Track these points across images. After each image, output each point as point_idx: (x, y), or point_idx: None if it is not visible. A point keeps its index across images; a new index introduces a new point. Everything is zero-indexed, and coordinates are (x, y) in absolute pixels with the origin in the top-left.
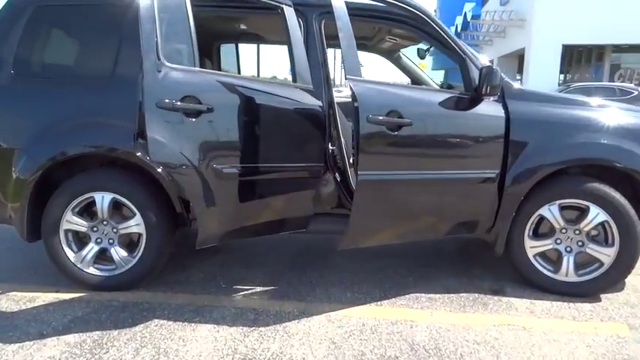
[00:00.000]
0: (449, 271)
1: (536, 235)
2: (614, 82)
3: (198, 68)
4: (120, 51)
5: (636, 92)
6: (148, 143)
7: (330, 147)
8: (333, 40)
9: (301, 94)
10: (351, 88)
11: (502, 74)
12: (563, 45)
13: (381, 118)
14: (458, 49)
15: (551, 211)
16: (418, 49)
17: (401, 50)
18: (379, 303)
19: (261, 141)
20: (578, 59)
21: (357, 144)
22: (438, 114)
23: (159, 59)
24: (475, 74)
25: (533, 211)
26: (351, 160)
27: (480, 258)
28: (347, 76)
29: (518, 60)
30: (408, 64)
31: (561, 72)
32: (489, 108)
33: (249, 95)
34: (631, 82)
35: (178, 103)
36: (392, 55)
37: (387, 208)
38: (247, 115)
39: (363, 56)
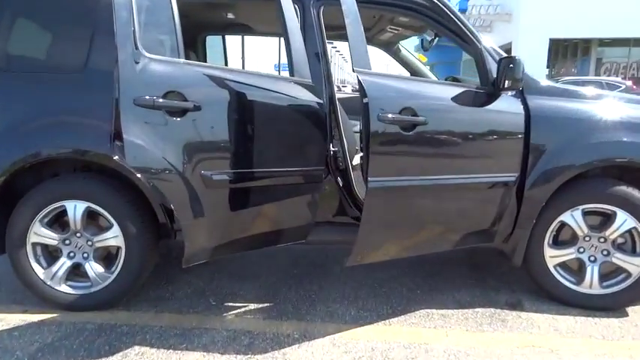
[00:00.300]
0: (459, 281)
1: (557, 243)
2: (600, 75)
3: (183, 60)
4: (93, 41)
5: (623, 86)
6: (125, 146)
7: (332, 148)
8: (332, 31)
9: (299, 89)
10: (359, 81)
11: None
12: (550, 39)
13: (393, 116)
14: (474, 39)
15: (573, 217)
16: (422, 40)
17: (400, 42)
18: (388, 322)
19: (255, 143)
20: (564, 53)
21: (367, 146)
22: (454, 111)
23: (136, 48)
24: (492, 66)
25: (554, 217)
26: (353, 162)
27: (489, 266)
28: (355, 69)
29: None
30: (408, 56)
31: (548, 66)
32: (508, 104)
33: (242, 91)
34: (617, 76)
35: (160, 100)
36: (391, 47)
37: (400, 218)
38: (240, 113)
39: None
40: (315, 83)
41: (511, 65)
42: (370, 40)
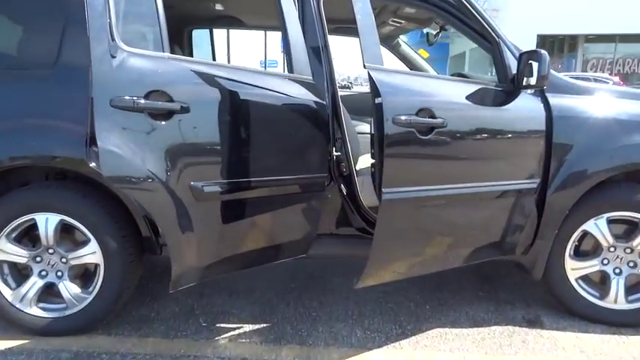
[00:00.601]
0: (469, 294)
1: (578, 254)
2: (587, 72)
3: (168, 54)
4: (65, 33)
5: (611, 82)
6: (100, 155)
7: (335, 152)
8: (333, 24)
9: (299, 88)
10: (371, 79)
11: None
12: (538, 35)
13: (410, 118)
14: (491, 31)
15: (597, 227)
16: (427, 33)
17: (400, 36)
18: (398, 344)
19: (251, 149)
20: (551, 49)
21: (380, 152)
22: (473, 112)
23: (112, 40)
24: (511, 62)
25: (576, 226)
26: (357, 167)
27: (498, 276)
28: (366, 64)
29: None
30: (409, 52)
31: None
32: (527, 103)
33: (236, 90)
34: (603, 72)
35: (142, 101)
36: (390, 41)
37: (418, 232)
38: (234, 115)
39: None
40: (316, 81)
41: (534, 61)
42: None
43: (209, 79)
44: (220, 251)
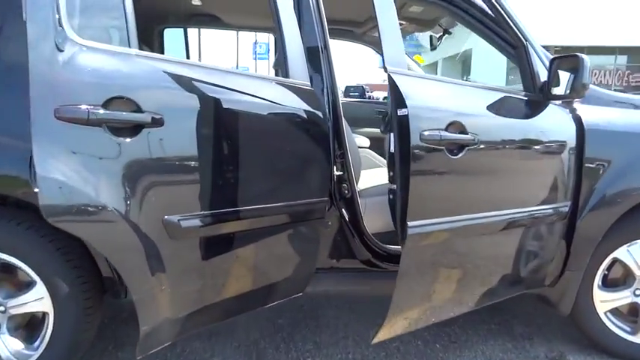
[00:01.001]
0: (481, 329)
1: (606, 284)
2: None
3: (136, 50)
4: (4, 24)
5: None
6: (38, 185)
7: (336, 172)
8: (334, 25)
9: (296, 95)
10: (393, 86)
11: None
12: None
13: (440, 134)
14: (518, 32)
15: (630, 254)
16: (431, 36)
17: None
18: None
19: (241, 170)
20: None
21: (404, 176)
22: (502, 127)
23: (60, 26)
24: (539, 68)
25: (606, 253)
26: (359, 187)
27: (507, 304)
28: (386, 67)
29: (462, 62)
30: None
31: (507, 73)
32: (556, 115)
33: (223, 98)
34: None
35: (99, 111)
36: None
37: (448, 271)
38: (219, 130)
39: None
40: (314, 88)
41: (569, 67)
42: (361, 37)
43: (189, 84)
44: (201, 299)
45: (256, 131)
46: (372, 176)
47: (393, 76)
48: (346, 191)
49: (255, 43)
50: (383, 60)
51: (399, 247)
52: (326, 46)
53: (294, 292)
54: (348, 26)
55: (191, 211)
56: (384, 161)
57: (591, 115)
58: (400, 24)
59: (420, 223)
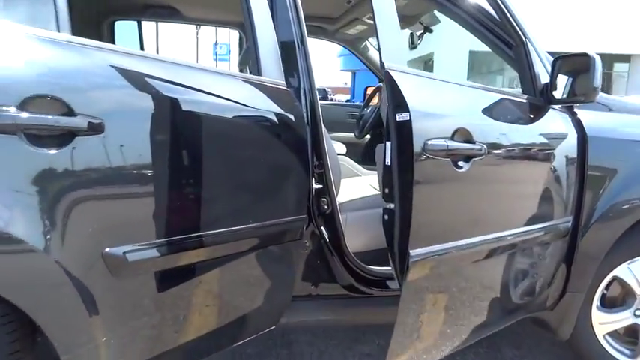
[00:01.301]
0: (470, 354)
1: (605, 305)
2: (514, 87)
3: (67, 36)
4: None
5: None
6: None
7: (315, 184)
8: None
9: (269, 95)
10: (391, 85)
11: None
12: (470, 51)
13: (447, 144)
14: (518, 29)
15: (631, 271)
16: (411, 34)
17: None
18: None
19: (203, 188)
20: (480, 66)
21: (404, 194)
22: (507, 134)
23: None
24: (540, 68)
25: (606, 271)
26: (339, 200)
27: None
28: (384, 62)
29: (423, 66)
30: (377, 57)
31: (468, 79)
32: (555, 121)
33: (180, 98)
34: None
35: (12, 112)
36: (357, 44)
37: (453, 301)
38: (175, 137)
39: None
40: (290, 87)
41: (575, 68)
42: (334, 35)
43: (138, 81)
44: (155, 346)
45: (222, 139)
46: (351, 187)
47: (393, 74)
48: (326, 206)
49: (216, 43)
50: (380, 55)
51: (384, 268)
52: (303, 42)
53: (267, 326)
54: (320, 23)
55: (140, 241)
56: (363, 170)
57: (593, 120)
58: None
59: (424, 250)
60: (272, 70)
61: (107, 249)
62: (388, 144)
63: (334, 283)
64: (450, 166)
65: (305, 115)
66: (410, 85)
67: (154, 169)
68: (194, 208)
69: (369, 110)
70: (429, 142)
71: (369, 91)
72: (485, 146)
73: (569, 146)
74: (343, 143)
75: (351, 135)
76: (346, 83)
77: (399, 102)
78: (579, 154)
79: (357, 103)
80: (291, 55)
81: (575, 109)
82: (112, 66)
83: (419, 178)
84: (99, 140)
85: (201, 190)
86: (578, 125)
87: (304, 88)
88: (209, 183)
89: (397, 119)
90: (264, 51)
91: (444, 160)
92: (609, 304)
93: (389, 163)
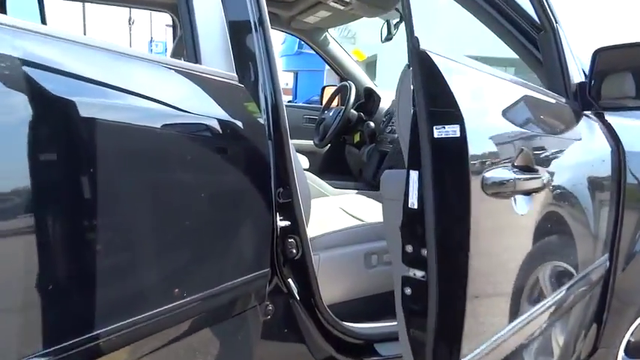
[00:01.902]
0: None
1: (629, 353)
2: None
3: None
4: None
5: None
6: None
7: (280, 219)
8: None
9: (214, 93)
10: (432, 77)
11: None
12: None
13: (513, 177)
14: (547, 9)
15: None
16: (387, 22)
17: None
18: None
19: (113, 246)
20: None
21: (454, 259)
22: (559, 155)
23: None
24: (572, 66)
25: (635, 316)
26: (311, 234)
27: None
28: (417, 40)
29: (365, 68)
30: (338, 52)
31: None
32: (590, 132)
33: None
34: None
35: None
36: (317, 35)
37: None
38: (73, 160)
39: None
40: (244, 82)
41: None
42: (287, 23)
43: (14, 68)
44: None
45: (144, 162)
46: (319, 213)
47: (435, 60)
48: (294, 250)
49: (152, 41)
50: (411, 29)
51: (370, 325)
52: (262, 21)
53: None
54: (273, 8)
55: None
56: (329, 188)
57: (629, 129)
58: (344, 4)
59: (481, 350)
60: (216, 58)
61: None
62: (414, 174)
63: (309, 356)
64: (511, 209)
65: (265, 121)
66: (461, 82)
67: (39, 216)
68: (103, 282)
69: (330, 114)
70: (487, 175)
71: (327, 91)
72: (547, 175)
73: (601, 160)
74: (302, 153)
75: (310, 142)
76: (287, 84)
77: (443, 105)
78: (615, 172)
79: (300, 104)
80: (244, 39)
81: (607, 117)
82: None
83: (478, 230)
84: None
85: (111, 251)
86: (613, 137)
87: (263, 84)
88: (123, 238)
89: (435, 136)
90: (205, 32)
91: (505, 200)
92: (633, 352)
93: (414, 206)
